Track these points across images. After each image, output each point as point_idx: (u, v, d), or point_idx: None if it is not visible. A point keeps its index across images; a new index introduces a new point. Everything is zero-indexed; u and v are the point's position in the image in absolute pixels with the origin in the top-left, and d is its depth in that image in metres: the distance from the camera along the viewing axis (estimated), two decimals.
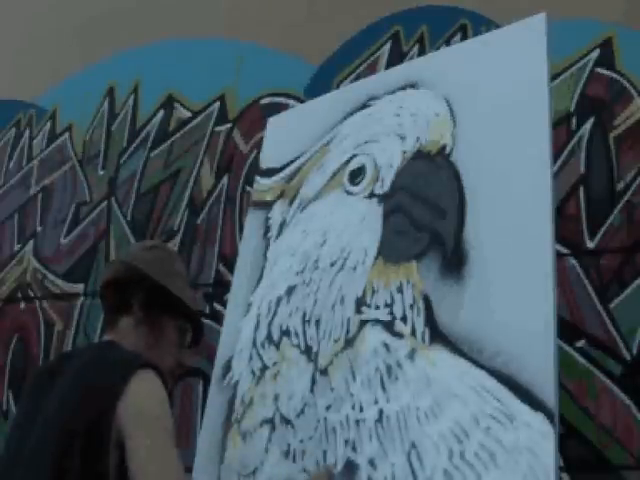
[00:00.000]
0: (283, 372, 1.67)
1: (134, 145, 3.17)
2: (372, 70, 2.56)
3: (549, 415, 1.21)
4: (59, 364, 1.52)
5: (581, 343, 2.00)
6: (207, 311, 2.73)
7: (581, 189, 2.12)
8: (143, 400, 1.36)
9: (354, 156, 1.76)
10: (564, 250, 2.05)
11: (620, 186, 2.06)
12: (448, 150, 1.57)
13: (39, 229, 3.37)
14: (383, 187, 1.66)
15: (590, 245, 2.06)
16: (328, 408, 1.53)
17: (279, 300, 1.76)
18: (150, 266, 1.57)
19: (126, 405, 1.34)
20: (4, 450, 1.46)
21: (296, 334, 1.67)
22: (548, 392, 1.23)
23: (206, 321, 2.71)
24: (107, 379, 1.38)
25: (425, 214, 1.55)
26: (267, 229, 1.93)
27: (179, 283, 1.60)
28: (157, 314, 1.57)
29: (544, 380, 1.24)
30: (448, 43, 2.43)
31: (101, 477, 1.31)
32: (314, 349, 1.62)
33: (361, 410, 1.47)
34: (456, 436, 1.31)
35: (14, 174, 3.59)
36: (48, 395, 1.44)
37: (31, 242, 3.37)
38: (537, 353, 1.26)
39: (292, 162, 1.95)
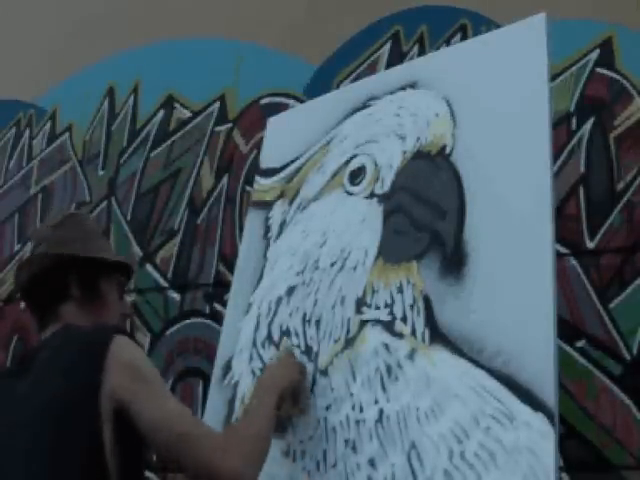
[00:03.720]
0: None
1: (134, 145, 3.17)
2: (372, 70, 2.56)
3: (549, 415, 1.21)
4: (22, 364, 1.49)
5: (581, 343, 2.00)
6: (207, 311, 2.73)
7: (581, 189, 2.12)
8: (131, 362, 1.36)
9: (354, 156, 1.76)
10: (564, 250, 2.05)
11: (620, 186, 2.06)
12: (448, 150, 1.57)
13: None
14: (383, 187, 1.66)
15: (590, 245, 2.06)
16: (328, 408, 1.53)
17: (279, 300, 1.76)
18: (70, 244, 1.55)
19: (115, 373, 1.33)
20: None
21: (296, 334, 1.67)
22: (548, 392, 1.23)
23: (206, 321, 2.72)
24: (84, 355, 1.37)
25: (425, 214, 1.55)
26: (267, 229, 1.93)
27: (100, 244, 1.61)
28: (95, 284, 1.57)
29: (544, 380, 1.24)
30: (448, 43, 2.42)
31: (98, 456, 1.30)
32: (314, 349, 1.62)
33: (361, 410, 1.47)
34: (456, 436, 1.31)
35: (14, 174, 3.59)
36: (18, 398, 1.40)
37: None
38: (537, 353, 1.26)
39: (292, 162, 1.95)
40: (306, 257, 1.74)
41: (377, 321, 1.53)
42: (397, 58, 2.54)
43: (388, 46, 2.59)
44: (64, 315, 1.53)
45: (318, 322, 1.63)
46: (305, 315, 1.67)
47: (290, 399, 1.56)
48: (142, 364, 1.39)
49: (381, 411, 1.43)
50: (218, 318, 2.56)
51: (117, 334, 1.40)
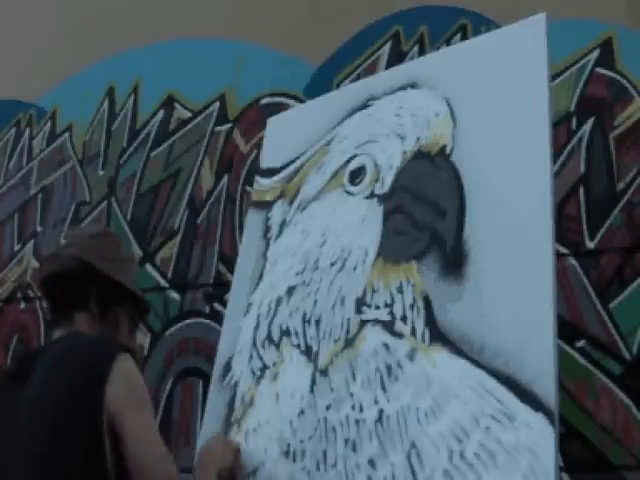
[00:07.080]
0: (283, 372, 1.67)
1: (134, 145, 3.17)
2: (372, 70, 2.56)
3: (549, 415, 1.21)
4: (23, 367, 1.50)
5: (581, 343, 2.00)
6: (207, 311, 2.73)
7: (581, 189, 2.12)
8: (133, 384, 1.41)
9: (354, 156, 1.76)
10: (564, 250, 2.05)
11: (620, 186, 2.06)
12: (448, 150, 1.57)
13: (39, 229, 3.37)
14: (383, 187, 1.66)
15: (590, 245, 2.06)
16: (328, 408, 1.53)
17: (279, 300, 1.76)
18: (102, 259, 1.59)
19: (116, 389, 1.37)
20: None
21: (296, 334, 1.67)
22: (548, 392, 1.23)
23: (206, 321, 2.72)
24: (89, 365, 1.40)
25: (425, 214, 1.55)
26: (267, 229, 1.93)
27: (127, 270, 1.65)
28: (111, 307, 1.61)
29: (544, 380, 1.24)
30: (448, 43, 2.43)
31: (100, 465, 1.32)
32: (314, 349, 1.62)
33: (361, 410, 1.47)
34: (456, 436, 1.31)
35: (14, 174, 3.59)
36: (19, 401, 1.41)
37: (31, 242, 3.37)
38: (537, 353, 1.26)
39: (292, 162, 1.95)
40: (306, 257, 1.74)
41: (377, 321, 1.53)
42: (397, 58, 2.54)
43: (388, 46, 2.60)
44: (77, 323, 1.56)
45: (318, 322, 1.63)
46: (305, 315, 1.67)
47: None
48: (139, 385, 1.44)
49: (381, 411, 1.43)
50: (218, 318, 2.56)
51: (123, 352, 1.44)
